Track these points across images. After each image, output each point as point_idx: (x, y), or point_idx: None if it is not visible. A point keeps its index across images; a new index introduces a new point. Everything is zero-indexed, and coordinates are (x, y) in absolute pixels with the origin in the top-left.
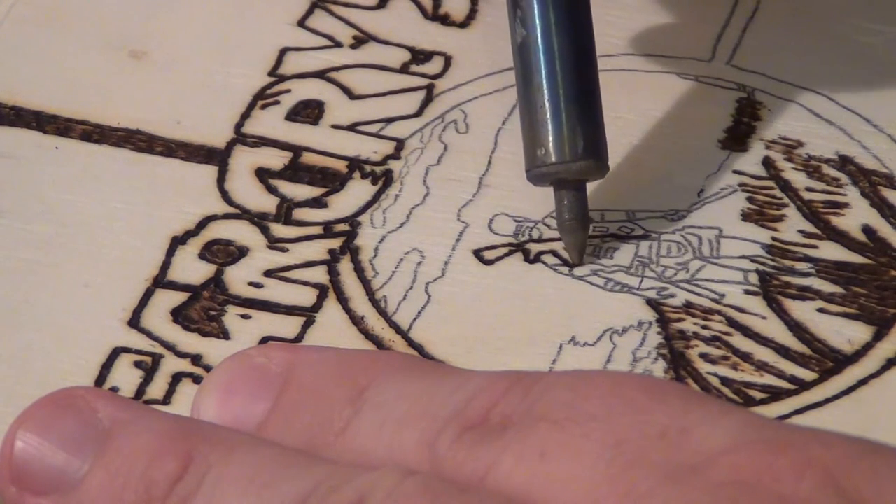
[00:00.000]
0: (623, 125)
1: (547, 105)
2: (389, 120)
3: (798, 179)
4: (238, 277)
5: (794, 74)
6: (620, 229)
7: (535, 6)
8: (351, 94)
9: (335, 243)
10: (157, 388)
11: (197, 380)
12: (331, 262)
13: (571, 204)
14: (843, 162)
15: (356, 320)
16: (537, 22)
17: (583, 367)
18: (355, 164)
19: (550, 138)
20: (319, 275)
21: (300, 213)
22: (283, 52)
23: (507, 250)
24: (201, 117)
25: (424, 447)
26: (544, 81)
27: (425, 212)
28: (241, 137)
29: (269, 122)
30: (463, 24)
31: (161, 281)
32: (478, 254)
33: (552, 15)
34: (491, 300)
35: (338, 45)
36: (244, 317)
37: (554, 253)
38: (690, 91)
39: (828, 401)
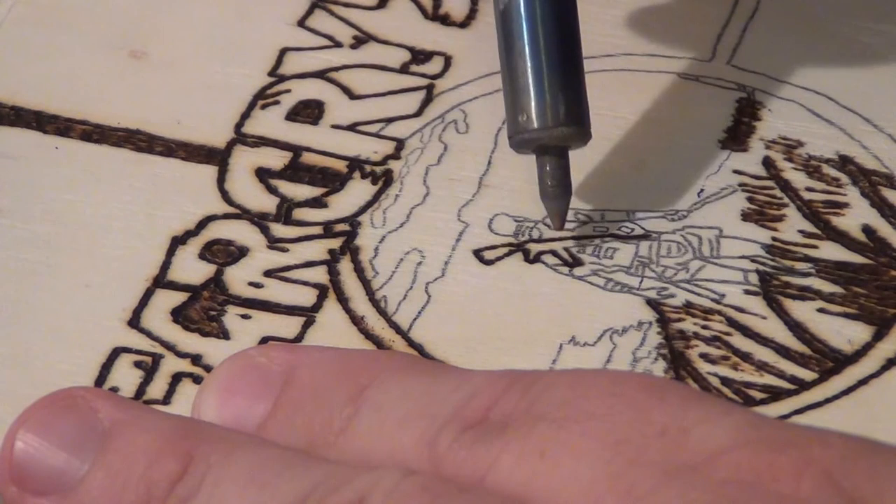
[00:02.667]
0: (623, 125)
1: (529, 72)
2: (389, 120)
3: (798, 179)
4: (238, 277)
5: (794, 74)
6: (620, 229)
7: None
8: (351, 94)
9: (335, 243)
10: (157, 388)
11: (197, 380)
12: (331, 262)
13: (554, 170)
14: (843, 162)
15: (356, 320)
16: None
17: (583, 366)
18: (355, 164)
19: (532, 104)
20: (319, 275)
21: (300, 213)
22: (283, 52)
23: (507, 250)
24: (201, 117)
25: (424, 446)
26: (526, 48)
27: (425, 212)
28: (241, 137)
29: (269, 122)
30: (463, 24)
31: (161, 281)
32: (478, 254)
33: None
34: (491, 300)
35: (338, 45)
36: (244, 317)
37: (554, 253)
38: (690, 91)
39: (828, 401)
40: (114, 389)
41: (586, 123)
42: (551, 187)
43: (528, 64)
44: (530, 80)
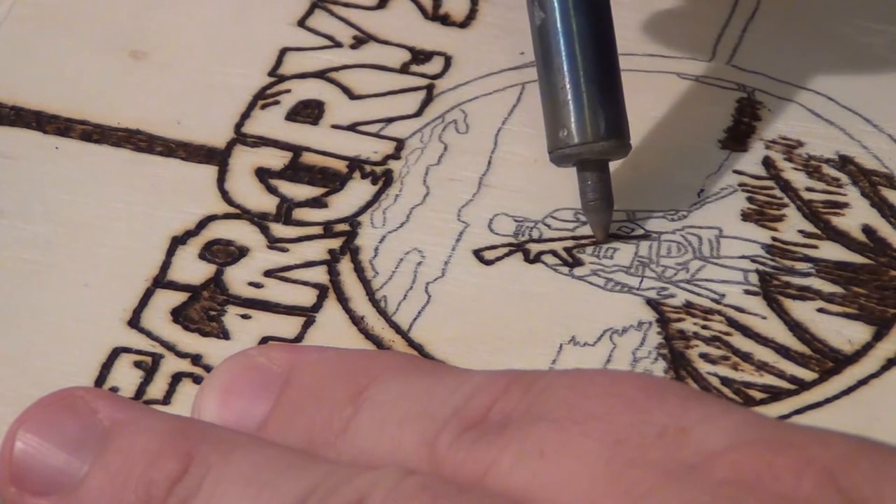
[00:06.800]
0: None
1: (568, 86)
2: (389, 120)
3: (798, 179)
4: (238, 277)
5: (794, 74)
6: (620, 229)
7: None
8: (351, 94)
9: (335, 243)
10: (157, 388)
11: (197, 380)
12: (331, 262)
13: (595, 184)
14: (843, 162)
15: (356, 320)
16: (555, 4)
17: (583, 366)
18: (355, 164)
19: (572, 119)
20: (319, 275)
21: (300, 213)
22: (283, 52)
23: (507, 250)
24: (201, 117)
25: (424, 447)
26: (564, 63)
27: (425, 212)
28: (241, 137)
29: (269, 122)
30: (463, 24)
31: (161, 281)
32: (478, 254)
33: None
34: (491, 300)
35: (338, 45)
36: (244, 317)
37: (554, 253)
38: (690, 91)
39: (828, 401)
40: (114, 389)
41: (626, 136)
42: (593, 201)
43: (567, 79)
44: (570, 96)
